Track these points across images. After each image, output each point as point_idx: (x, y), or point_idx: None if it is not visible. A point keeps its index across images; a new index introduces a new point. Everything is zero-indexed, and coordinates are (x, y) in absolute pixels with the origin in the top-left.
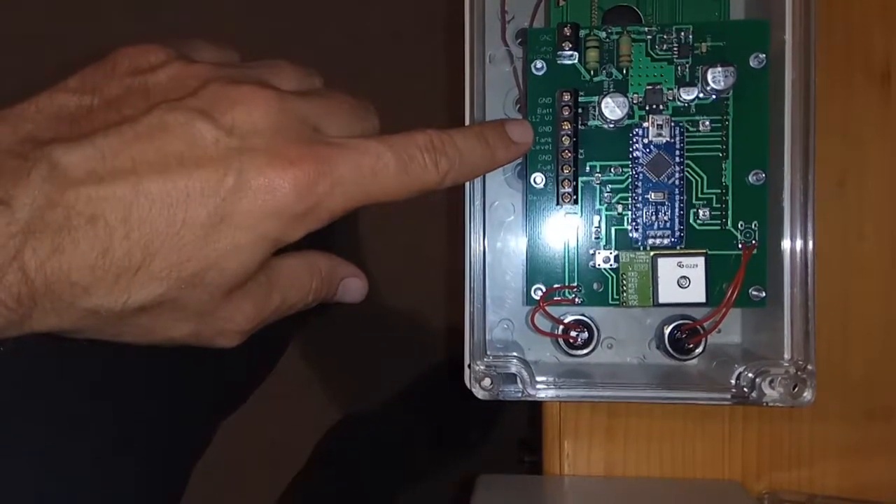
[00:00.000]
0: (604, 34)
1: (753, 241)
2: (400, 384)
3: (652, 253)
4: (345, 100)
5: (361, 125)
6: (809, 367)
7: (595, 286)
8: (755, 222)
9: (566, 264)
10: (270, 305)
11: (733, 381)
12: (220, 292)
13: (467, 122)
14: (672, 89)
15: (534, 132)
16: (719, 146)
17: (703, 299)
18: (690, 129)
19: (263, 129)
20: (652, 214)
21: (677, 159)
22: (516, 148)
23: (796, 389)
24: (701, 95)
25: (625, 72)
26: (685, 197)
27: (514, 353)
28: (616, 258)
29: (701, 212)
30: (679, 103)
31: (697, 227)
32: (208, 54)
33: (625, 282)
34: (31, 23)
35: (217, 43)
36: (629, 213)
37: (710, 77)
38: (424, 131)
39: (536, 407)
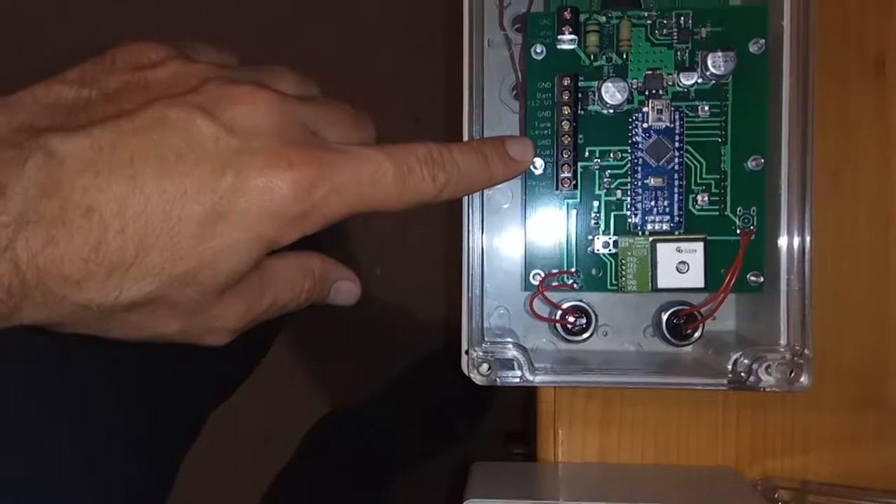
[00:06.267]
0: (604, 19)
1: (752, 227)
2: (388, 376)
3: (651, 238)
4: (344, 108)
5: (359, 134)
6: (806, 352)
7: (594, 271)
8: (753, 208)
9: (565, 250)
10: (262, 305)
11: (730, 367)
12: (213, 291)
13: (466, 109)
14: (672, 74)
15: (535, 149)
16: (718, 131)
17: (701, 284)
18: (690, 114)
19: (264, 129)
20: (651, 200)
21: (677, 144)
22: (515, 165)
23: (793, 374)
24: (700, 80)
25: (625, 56)
26: (684, 182)
27: (512, 340)
28: (615, 243)
29: (700, 197)
30: (679, 88)
31: (696, 213)
32: (208, 56)
33: (623, 267)
34: (23, 25)
35: (217, 45)
36: (628, 198)
37: (710, 62)
38: (424, 144)
39: (531, 395)
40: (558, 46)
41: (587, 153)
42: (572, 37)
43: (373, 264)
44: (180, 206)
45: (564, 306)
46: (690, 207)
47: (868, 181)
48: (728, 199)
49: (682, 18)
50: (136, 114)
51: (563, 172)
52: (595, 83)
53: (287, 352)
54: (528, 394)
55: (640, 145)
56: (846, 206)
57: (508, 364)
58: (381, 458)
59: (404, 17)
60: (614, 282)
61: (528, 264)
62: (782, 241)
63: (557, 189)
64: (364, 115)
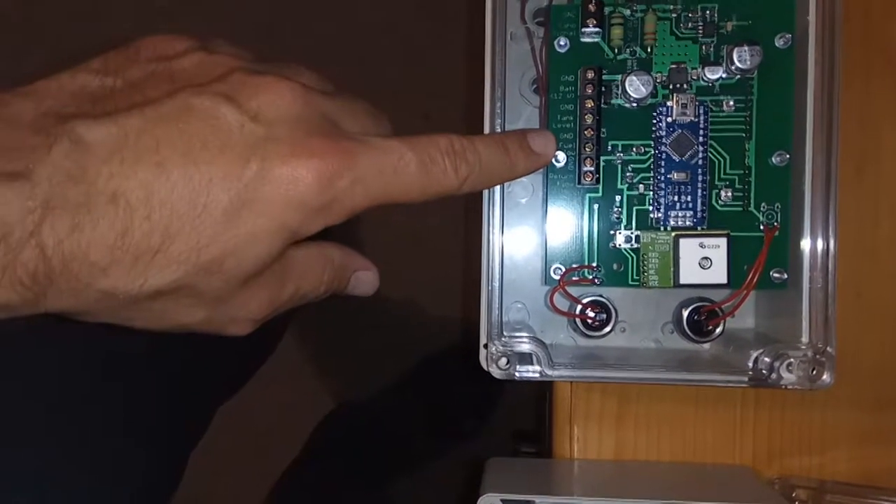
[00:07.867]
0: (628, 11)
1: (775, 223)
2: (397, 372)
3: (673, 233)
4: (362, 102)
5: (378, 129)
6: (829, 349)
7: (615, 266)
8: (777, 204)
9: (586, 244)
10: (284, 295)
11: (750, 365)
12: (237, 280)
13: (487, 102)
14: (696, 68)
15: (556, 143)
16: (743, 126)
17: (724, 280)
18: (714, 108)
19: (288, 118)
20: (674, 195)
21: (701, 139)
22: (537, 158)
23: (815, 372)
24: (725, 75)
25: (649, 50)
26: (708, 177)
27: (530, 334)
28: (637, 238)
29: (723, 192)
30: (703, 82)
31: (720, 208)
32: (227, 50)
33: (645, 262)
34: (26, 24)
35: (235, 43)
36: (651, 193)
37: (735, 56)
38: (446, 135)
39: (545, 392)
40: (582, 39)
41: (610, 147)
42: (596, 30)
43: (386, 258)
44: (206, 193)
45: (585, 301)
46: (714, 203)
47: (890, 178)
48: (752, 194)
49: (708, 12)
50: (162, 102)
51: (586, 166)
52: (619, 77)
53: (296, 346)
54: (539, 391)
55: (664, 140)
56: (867, 204)
57: (527, 358)
58: (389, 454)
59: (412, 14)
60: (636, 277)
61: (549, 258)
62: (806, 238)
63: (579, 183)
64: (381, 111)
